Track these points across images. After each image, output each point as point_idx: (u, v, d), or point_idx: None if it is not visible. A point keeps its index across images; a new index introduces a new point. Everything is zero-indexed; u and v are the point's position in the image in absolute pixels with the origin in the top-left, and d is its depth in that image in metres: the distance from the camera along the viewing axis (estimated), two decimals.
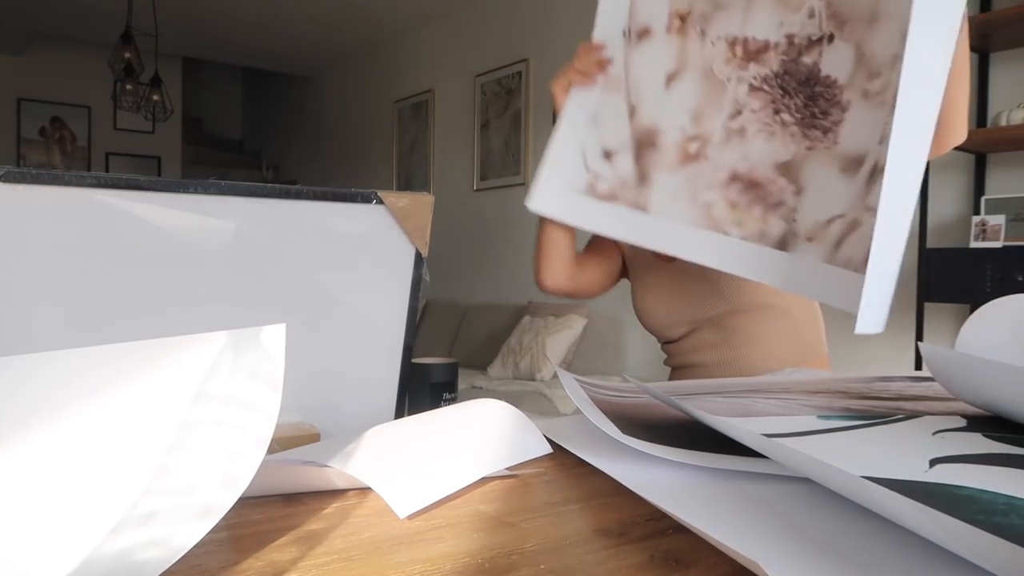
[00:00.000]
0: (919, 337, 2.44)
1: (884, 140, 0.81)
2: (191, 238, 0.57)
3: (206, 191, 0.57)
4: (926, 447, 0.47)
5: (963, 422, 0.54)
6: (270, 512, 0.42)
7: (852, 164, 0.84)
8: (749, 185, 0.91)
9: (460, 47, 4.69)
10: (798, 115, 0.88)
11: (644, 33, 0.99)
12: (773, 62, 0.89)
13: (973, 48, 2.43)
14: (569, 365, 3.52)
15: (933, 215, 2.48)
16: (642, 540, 0.37)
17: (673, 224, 0.96)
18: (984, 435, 0.50)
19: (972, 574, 0.30)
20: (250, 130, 8.16)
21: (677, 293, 1.21)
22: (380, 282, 0.67)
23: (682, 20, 0.96)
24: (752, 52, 0.91)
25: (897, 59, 0.81)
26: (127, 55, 4.46)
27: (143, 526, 0.29)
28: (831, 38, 0.86)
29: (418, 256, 0.67)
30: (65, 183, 0.52)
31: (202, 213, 0.57)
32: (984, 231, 2.34)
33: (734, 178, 0.92)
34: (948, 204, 2.57)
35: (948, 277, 2.33)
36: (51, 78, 6.17)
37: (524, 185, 4.13)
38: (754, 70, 0.91)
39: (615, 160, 1.01)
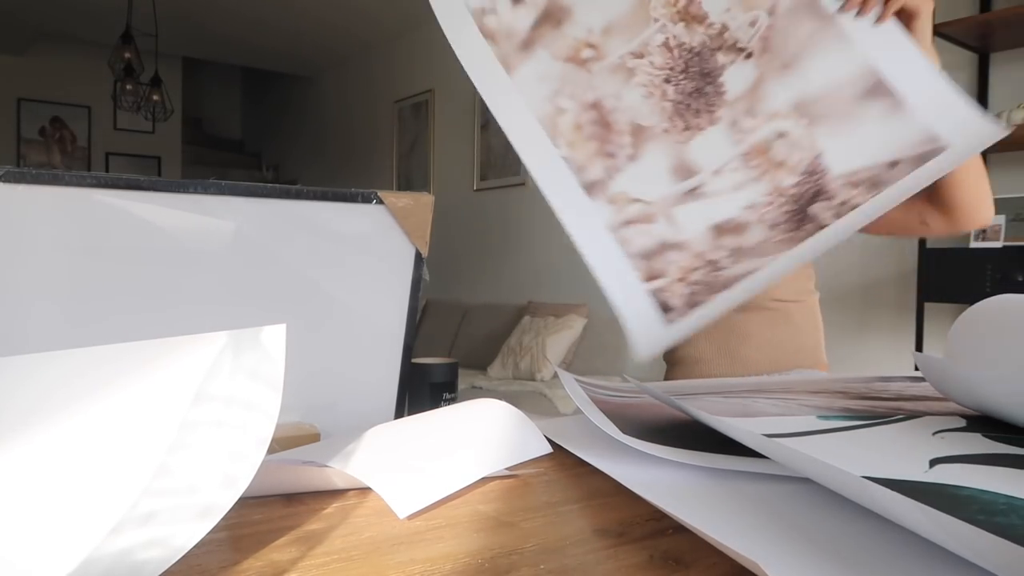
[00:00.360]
0: (919, 337, 2.44)
1: (719, 173, 0.88)
2: (191, 238, 0.57)
3: (206, 191, 0.57)
4: (926, 447, 0.47)
5: (963, 422, 0.55)
6: (270, 512, 0.42)
7: (682, 170, 0.89)
8: (602, 121, 0.92)
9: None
10: (679, 97, 0.91)
11: None
12: (697, 37, 0.91)
13: (973, 48, 2.43)
14: (569, 365, 3.52)
15: None
16: (642, 540, 0.37)
17: (518, 112, 0.96)
18: (984, 435, 0.50)
19: (972, 574, 0.30)
20: (250, 130, 8.16)
21: None
22: (380, 282, 0.67)
23: None
24: (691, 14, 0.92)
25: (774, 117, 0.87)
26: (127, 55, 4.46)
27: (143, 526, 0.29)
28: (749, 55, 0.89)
29: (418, 256, 0.67)
30: (65, 183, 0.52)
31: (202, 213, 0.57)
32: (984, 231, 2.35)
33: (596, 106, 0.93)
34: None
35: (948, 277, 2.33)
36: (51, 78, 6.17)
37: (524, 185, 4.13)
38: (679, 31, 0.92)
39: (520, 5, 0.98)
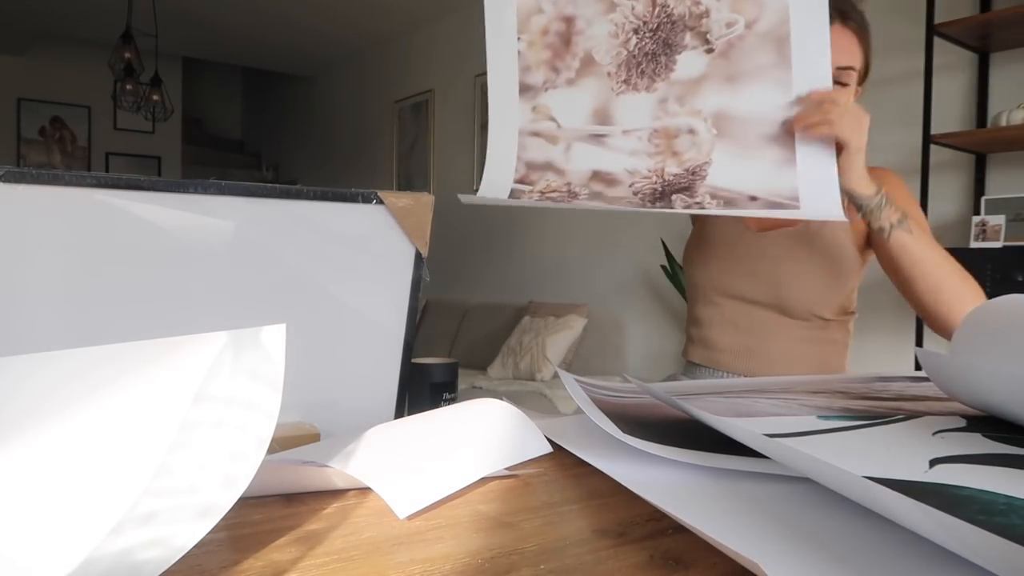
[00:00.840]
0: (919, 337, 2.44)
1: (627, 135, 1.00)
2: (191, 238, 0.57)
3: (206, 191, 0.57)
4: (926, 447, 0.47)
5: (963, 422, 0.54)
6: (270, 512, 0.42)
7: (601, 115, 1.01)
8: (565, 37, 1.02)
9: (460, 47, 4.69)
10: (636, 51, 1.00)
11: None
12: (682, 7, 0.99)
13: (973, 48, 2.43)
14: (569, 365, 3.52)
15: (933, 215, 2.48)
16: (642, 540, 0.37)
17: None
18: (984, 435, 0.50)
19: (972, 574, 0.30)
20: (250, 130, 8.16)
21: (734, 255, 1.20)
22: (380, 282, 0.67)
23: None
24: None
25: (695, 114, 0.98)
26: (127, 55, 4.46)
27: (143, 526, 0.29)
28: (711, 50, 0.98)
29: (418, 256, 0.67)
30: (65, 183, 0.52)
31: (202, 213, 0.57)
32: (984, 231, 2.34)
33: (568, 21, 1.01)
34: (948, 204, 2.58)
35: None
36: (51, 78, 6.17)
37: None
38: None
39: None
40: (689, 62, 0.98)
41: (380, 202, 0.64)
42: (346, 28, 5.37)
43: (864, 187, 0.95)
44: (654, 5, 0.99)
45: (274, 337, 0.33)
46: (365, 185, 0.65)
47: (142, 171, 6.41)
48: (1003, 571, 0.28)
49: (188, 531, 0.31)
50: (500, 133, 1.04)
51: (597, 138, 1.01)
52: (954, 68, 2.50)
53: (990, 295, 0.57)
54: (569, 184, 1.02)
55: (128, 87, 4.59)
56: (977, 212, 2.42)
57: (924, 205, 2.44)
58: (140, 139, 6.61)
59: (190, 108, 7.30)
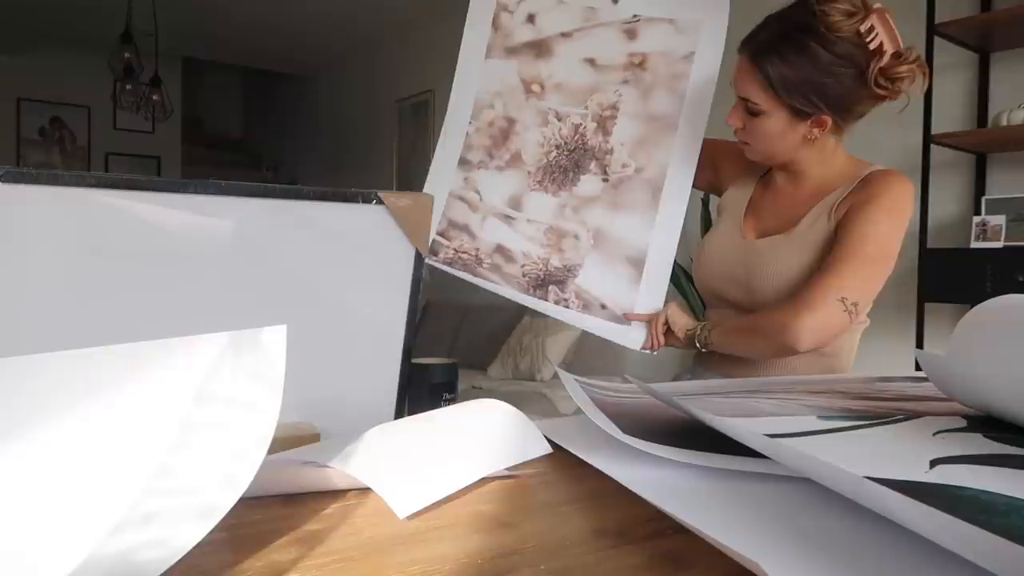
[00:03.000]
0: (919, 337, 2.44)
1: (530, 223, 1.29)
2: (191, 238, 0.57)
3: (206, 191, 0.57)
4: (926, 448, 0.46)
5: (963, 423, 0.54)
6: (270, 512, 0.42)
7: (514, 202, 1.29)
8: (505, 133, 1.31)
9: (460, 47, 4.69)
10: (553, 162, 1.29)
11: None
12: (595, 141, 1.29)
13: (973, 48, 2.43)
14: (569, 365, 3.52)
15: (933, 215, 2.48)
16: (642, 540, 0.37)
17: (469, 83, 1.33)
18: (984, 436, 0.50)
19: (972, 574, 0.30)
20: (250, 130, 8.16)
21: (735, 256, 1.22)
22: (380, 282, 0.67)
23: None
24: (604, 127, 1.29)
25: (581, 224, 1.28)
26: (127, 55, 4.46)
27: (143, 526, 0.29)
28: (606, 180, 1.28)
29: (418, 256, 0.67)
30: (65, 183, 0.52)
31: (202, 213, 0.57)
32: (984, 231, 2.34)
33: (510, 121, 1.30)
34: (948, 204, 2.57)
35: (948, 277, 2.33)
36: (51, 78, 6.16)
37: None
38: (590, 127, 1.29)
39: (530, 24, 1.33)
40: (588, 184, 1.27)
41: (380, 202, 0.64)
42: (346, 28, 5.37)
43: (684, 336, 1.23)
44: (576, 132, 1.28)
45: (274, 338, 0.33)
46: (365, 185, 0.65)
47: (142, 171, 6.42)
48: (1003, 571, 0.28)
49: (188, 531, 0.31)
50: (435, 190, 1.26)
51: (507, 218, 1.28)
52: (954, 68, 2.49)
53: (991, 295, 0.57)
54: (478, 250, 1.28)
55: (128, 87, 4.59)
56: (978, 212, 2.41)
57: (924, 205, 2.44)
58: (140, 139, 6.61)
59: (190, 108, 7.29)
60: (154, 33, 4.75)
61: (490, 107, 1.29)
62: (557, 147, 1.27)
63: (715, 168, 1.33)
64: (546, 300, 1.27)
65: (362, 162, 5.90)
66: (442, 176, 1.29)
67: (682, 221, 1.24)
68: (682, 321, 1.22)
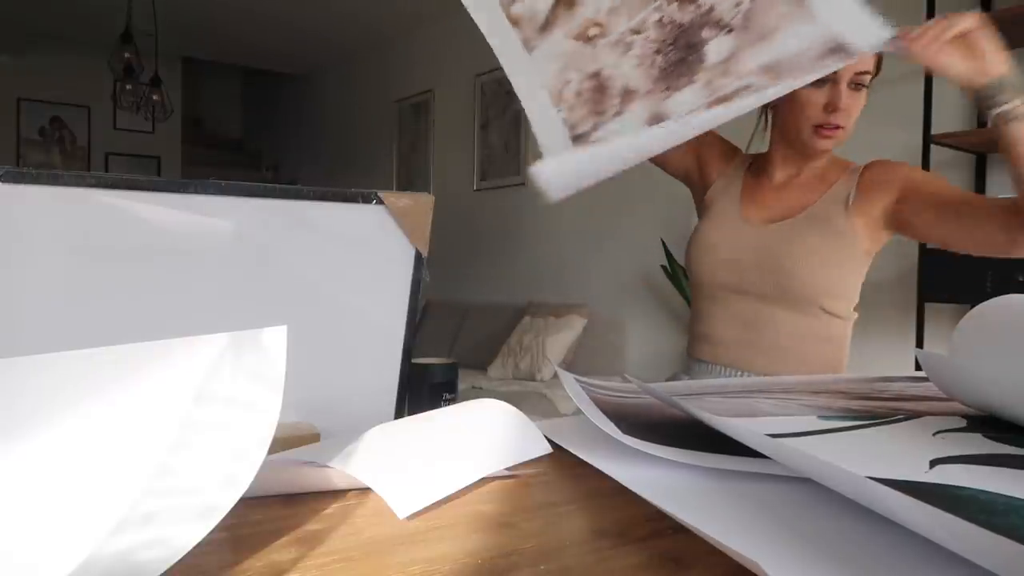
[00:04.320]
0: (919, 337, 2.44)
1: (691, 121, 1.04)
2: (191, 238, 0.57)
3: (206, 191, 0.57)
4: (926, 448, 0.47)
5: (963, 423, 0.55)
6: (270, 512, 0.42)
7: (655, 119, 1.05)
8: (599, 87, 1.10)
9: (460, 47, 4.69)
10: (665, 64, 1.07)
11: None
12: (687, 15, 1.06)
13: None
14: (569, 365, 3.52)
15: None
16: (642, 540, 0.38)
17: (533, 86, 1.12)
18: (984, 436, 0.50)
19: (972, 574, 0.30)
20: (250, 130, 8.16)
21: (737, 248, 1.21)
22: (380, 282, 0.67)
23: None
24: None
25: (744, 75, 1.02)
26: (127, 55, 4.45)
27: (144, 526, 0.29)
28: (730, 30, 1.03)
29: (418, 256, 0.67)
30: (65, 183, 0.52)
31: (202, 213, 0.57)
32: None
33: (596, 75, 1.09)
34: None
35: (948, 277, 2.33)
36: (51, 78, 6.16)
37: (524, 185, 4.13)
38: (672, 10, 1.07)
39: None
40: (716, 48, 1.04)
41: (380, 202, 0.64)
42: (346, 28, 5.37)
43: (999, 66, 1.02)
44: (663, 26, 1.07)
45: (275, 339, 0.33)
46: (365, 185, 0.65)
47: (142, 171, 6.41)
48: (1003, 571, 0.28)
49: (188, 531, 0.31)
50: (573, 182, 1.07)
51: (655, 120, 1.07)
52: None
53: (990, 295, 0.57)
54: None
55: (128, 87, 4.59)
56: None
57: None
58: (140, 139, 6.61)
59: (190, 108, 7.29)
60: (154, 33, 4.75)
61: (566, 84, 1.12)
62: (657, 51, 1.08)
63: (698, 157, 1.33)
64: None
65: (362, 162, 5.90)
66: (567, 166, 1.09)
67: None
68: (995, 51, 1.03)
